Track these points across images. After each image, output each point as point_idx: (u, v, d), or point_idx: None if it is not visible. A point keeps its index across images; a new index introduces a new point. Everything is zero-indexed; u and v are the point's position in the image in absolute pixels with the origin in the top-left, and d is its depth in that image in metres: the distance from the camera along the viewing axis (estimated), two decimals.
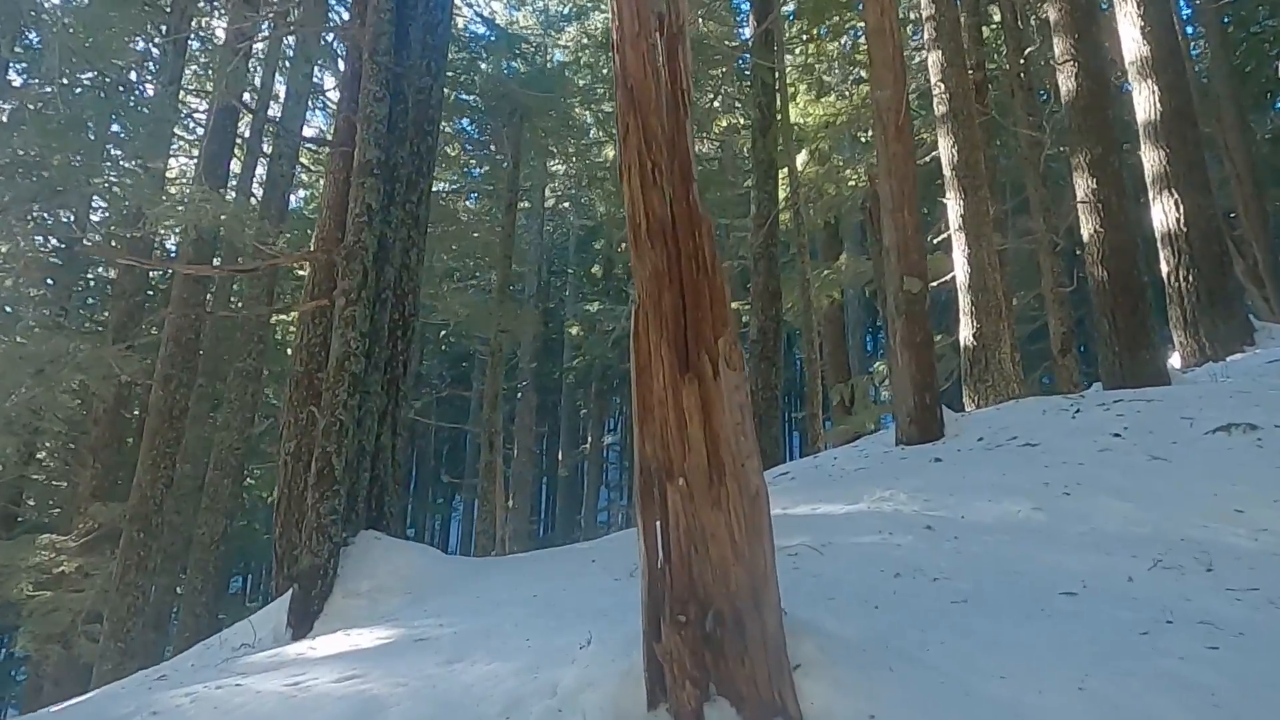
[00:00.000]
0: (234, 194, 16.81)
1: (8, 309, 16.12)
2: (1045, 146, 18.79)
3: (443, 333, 30.29)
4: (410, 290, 8.46)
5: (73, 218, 14.55)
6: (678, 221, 3.22)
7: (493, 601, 5.65)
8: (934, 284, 17.52)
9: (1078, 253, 25.73)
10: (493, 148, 22.97)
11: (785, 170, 15.95)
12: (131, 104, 15.42)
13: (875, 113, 10.31)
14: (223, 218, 12.45)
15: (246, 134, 21.78)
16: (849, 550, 5.49)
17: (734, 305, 19.12)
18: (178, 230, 13.45)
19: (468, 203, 25.27)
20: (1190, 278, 13.87)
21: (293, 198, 25.40)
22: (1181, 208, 13.92)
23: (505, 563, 7.28)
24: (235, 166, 22.46)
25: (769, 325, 12.31)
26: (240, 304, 19.21)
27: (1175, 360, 13.29)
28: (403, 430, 8.25)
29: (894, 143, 9.93)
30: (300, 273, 17.01)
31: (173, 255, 20.41)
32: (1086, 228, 11.60)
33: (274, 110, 20.64)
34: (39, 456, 20.35)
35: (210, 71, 16.16)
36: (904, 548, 5.37)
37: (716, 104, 19.57)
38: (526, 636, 4.31)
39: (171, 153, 18.46)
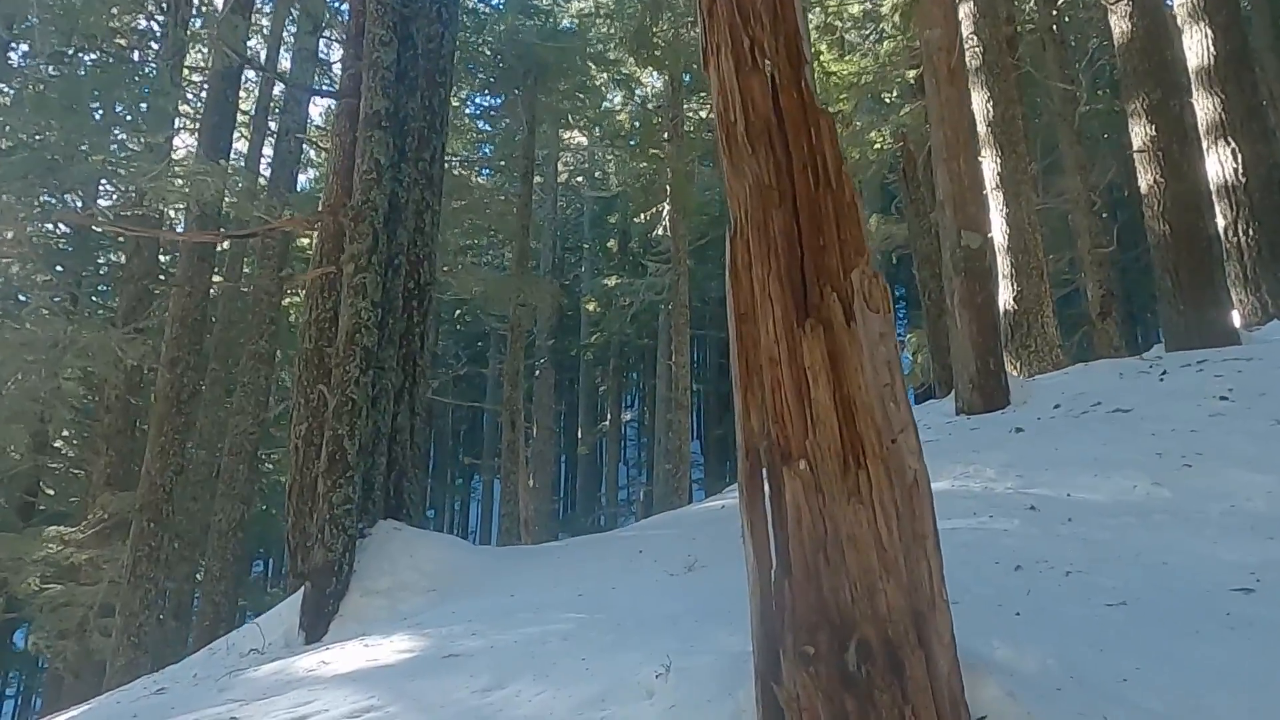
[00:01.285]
0: (240, 170, 15.97)
1: (19, 296, 15.38)
2: (1080, 102, 17.69)
3: (458, 311, 29.45)
4: (425, 256, 7.61)
5: (80, 202, 13.78)
6: (786, 117, 2.36)
7: (532, 603, 4.82)
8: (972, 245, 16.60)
9: (1117, 213, 24.68)
10: (507, 121, 22.06)
11: None
12: (133, 81, 14.59)
13: (924, 54, 9.39)
14: (225, 191, 11.63)
15: (253, 113, 20.98)
16: (946, 537, 4.63)
17: None
18: (180, 206, 12.62)
19: (480, 179, 24.39)
20: (1250, 231, 12.88)
21: (302, 178, 24.60)
22: (1239, 157, 12.92)
23: (538, 554, 6.46)
24: (243, 147, 21.68)
25: None
26: (247, 283, 18.38)
27: (1235, 318, 12.34)
28: (421, 409, 7.43)
29: (946, 86, 9.02)
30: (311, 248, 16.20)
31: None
32: (1145, 179, 10.61)
33: (278, 91, 19.81)
34: (56, 445, 19.66)
35: (209, 37, 15.26)
36: (1013, 534, 4.52)
37: None
38: (582, 655, 3.47)
39: (177, 130, 17.62)
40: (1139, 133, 10.74)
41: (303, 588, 6.25)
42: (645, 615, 3.99)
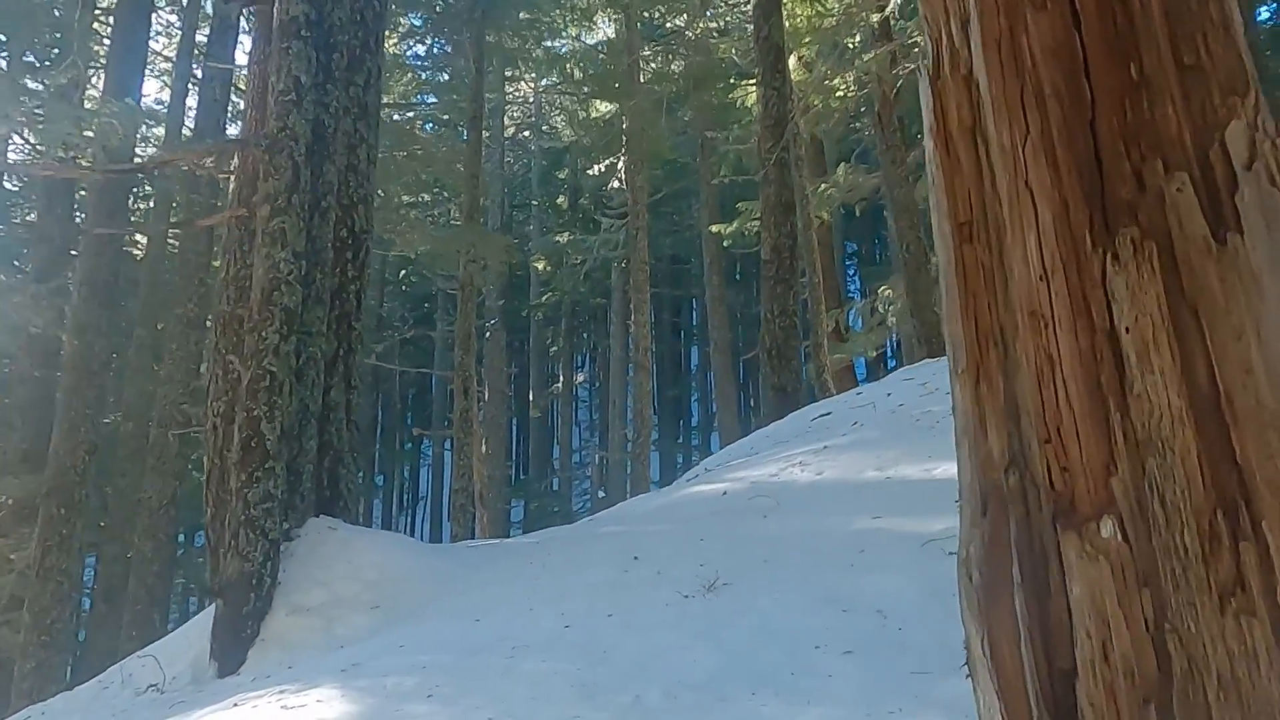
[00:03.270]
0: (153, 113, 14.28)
1: None
2: None
3: (403, 271, 27.82)
4: (360, 199, 6.25)
5: None
6: None
7: (504, 637, 3.61)
8: None
9: None
10: (448, 75, 20.40)
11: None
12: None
13: None
14: (136, 136, 10.06)
15: (175, 58, 19.13)
16: None
17: (733, 224, 16.90)
18: (87, 150, 10.98)
19: (424, 134, 22.74)
20: None
21: (233, 130, 22.70)
22: None
23: (504, 556, 5.23)
24: (166, 96, 19.78)
25: (783, 243, 10.25)
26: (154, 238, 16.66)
27: None
28: (358, 381, 6.12)
29: None
30: None
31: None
32: None
33: (203, 38, 17.95)
34: None
35: None
36: None
37: None
38: None
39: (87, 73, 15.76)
40: None
41: (212, 608, 4.98)
42: (667, 675, 2.81)
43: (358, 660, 3.83)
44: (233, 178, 6.63)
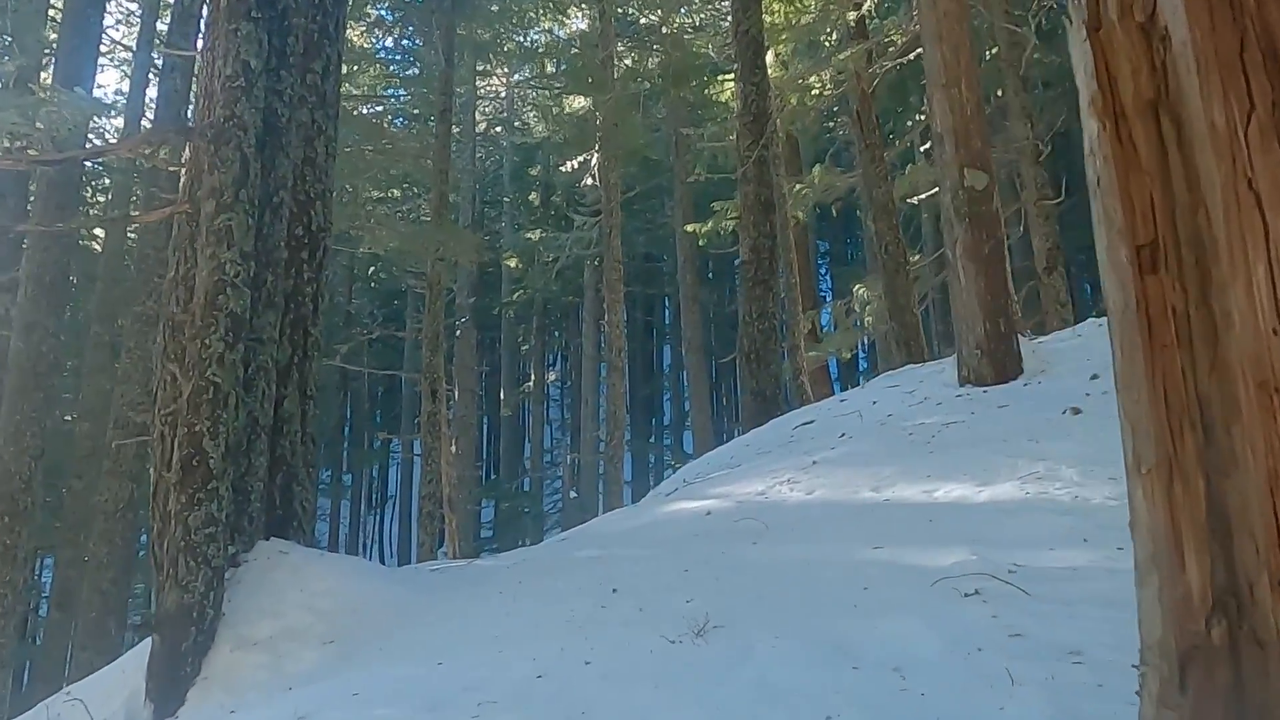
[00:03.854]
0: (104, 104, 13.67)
1: None
2: (1027, 46, 16.38)
3: (371, 268, 27.19)
4: (318, 195, 5.79)
5: None
6: None
7: (468, 685, 3.20)
8: (919, 198, 15.28)
9: (1058, 162, 23.71)
10: (417, 69, 19.86)
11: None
12: None
13: None
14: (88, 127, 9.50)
15: (135, 48, 18.46)
16: (1064, 585, 3.16)
17: (708, 224, 16.49)
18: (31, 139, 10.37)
19: (392, 128, 22.15)
20: None
21: None
22: None
23: (471, 583, 4.80)
24: (126, 87, 19.08)
25: (763, 243, 9.88)
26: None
27: None
28: (315, 390, 5.66)
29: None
30: None
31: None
32: None
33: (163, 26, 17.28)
34: None
35: None
36: None
37: None
38: None
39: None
40: None
41: (150, 640, 4.51)
42: None
43: (305, 713, 3.40)
44: (183, 170, 6.14)
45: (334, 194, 6.50)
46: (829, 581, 3.59)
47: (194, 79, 16.42)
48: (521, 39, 17.02)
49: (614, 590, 3.95)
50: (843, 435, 6.17)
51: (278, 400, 5.31)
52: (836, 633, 3.08)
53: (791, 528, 4.37)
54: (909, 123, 20.69)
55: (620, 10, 18.48)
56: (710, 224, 17.12)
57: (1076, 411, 5.00)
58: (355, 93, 13.44)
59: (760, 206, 10.00)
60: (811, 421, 7.63)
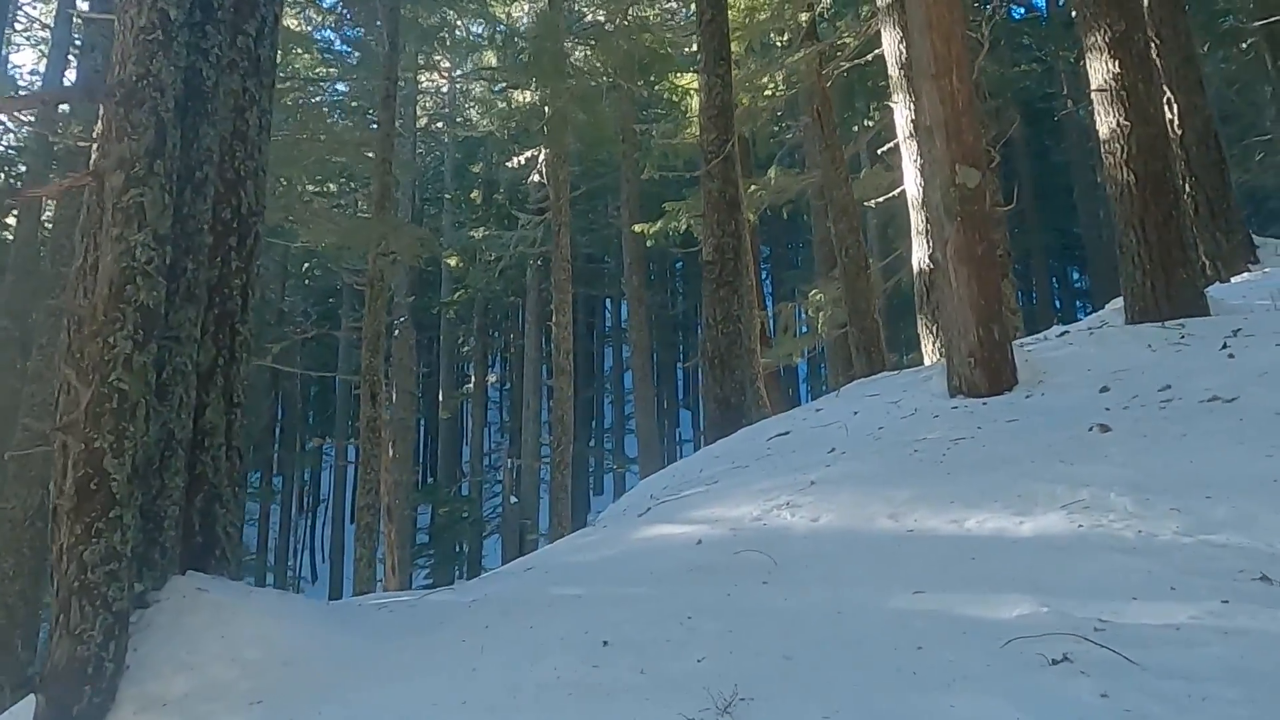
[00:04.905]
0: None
1: None
2: (983, 51, 16.06)
3: (305, 264, 25.98)
4: (249, 173, 4.98)
5: None
6: None
7: None
8: (875, 200, 14.86)
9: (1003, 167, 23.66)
10: (359, 58, 18.84)
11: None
12: None
13: None
14: None
15: (53, 24, 17.15)
16: (1173, 651, 2.57)
17: (657, 224, 15.84)
18: None
19: (333, 120, 21.08)
20: (1187, 188, 11.62)
21: None
22: (1174, 107, 11.61)
23: (431, 625, 4.05)
24: (43, 67, 17.75)
25: (728, 243, 9.27)
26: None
27: None
28: (243, 396, 4.85)
29: None
30: None
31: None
32: (1106, 121, 8.89)
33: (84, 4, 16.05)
34: None
35: None
36: None
37: None
38: None
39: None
40: (1099, 69, 9.01)
41: (34, 701, 3.68)
42: None
43: None
44: (97, 143, 5.26)
45: (267, 176, 5.69)
46: (870, 638, 2.95)
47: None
48: (469, 27, 16.15)
49: (605, 643, 3.26)
50: (832, 450, 5.56)
51: (198, 409, 4.50)
52: (902, 715, 2.44)
53: (805, 563, 3.72)
54: (855, 129, 20.40)
55: (570, 6, 17.78)
56: (660, 224, 16.52)
57: (1105, 429, 4.46)
58: (292, 77, 12.46)
59: (725, 204, 9.40)
60: (787, 433, 7.03)
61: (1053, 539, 3.46)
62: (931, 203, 6.76)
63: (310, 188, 24.62)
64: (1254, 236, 11.62)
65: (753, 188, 15.05)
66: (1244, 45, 22.17)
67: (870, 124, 19.80)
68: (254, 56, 5.14)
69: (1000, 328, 6.41)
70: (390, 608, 4.38)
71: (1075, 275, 33.52)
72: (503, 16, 16.16)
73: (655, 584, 3.89)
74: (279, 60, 11.08)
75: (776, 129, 20.50)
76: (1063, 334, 8.52)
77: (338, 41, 17.41)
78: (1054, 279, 31.78)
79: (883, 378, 8.28)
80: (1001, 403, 5.76)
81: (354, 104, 21.68)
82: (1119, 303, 11.57)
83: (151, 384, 3.96)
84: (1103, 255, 25.48)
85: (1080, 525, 3.50)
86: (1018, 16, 27.34)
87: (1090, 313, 19.96)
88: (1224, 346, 5.70)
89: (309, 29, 13.15)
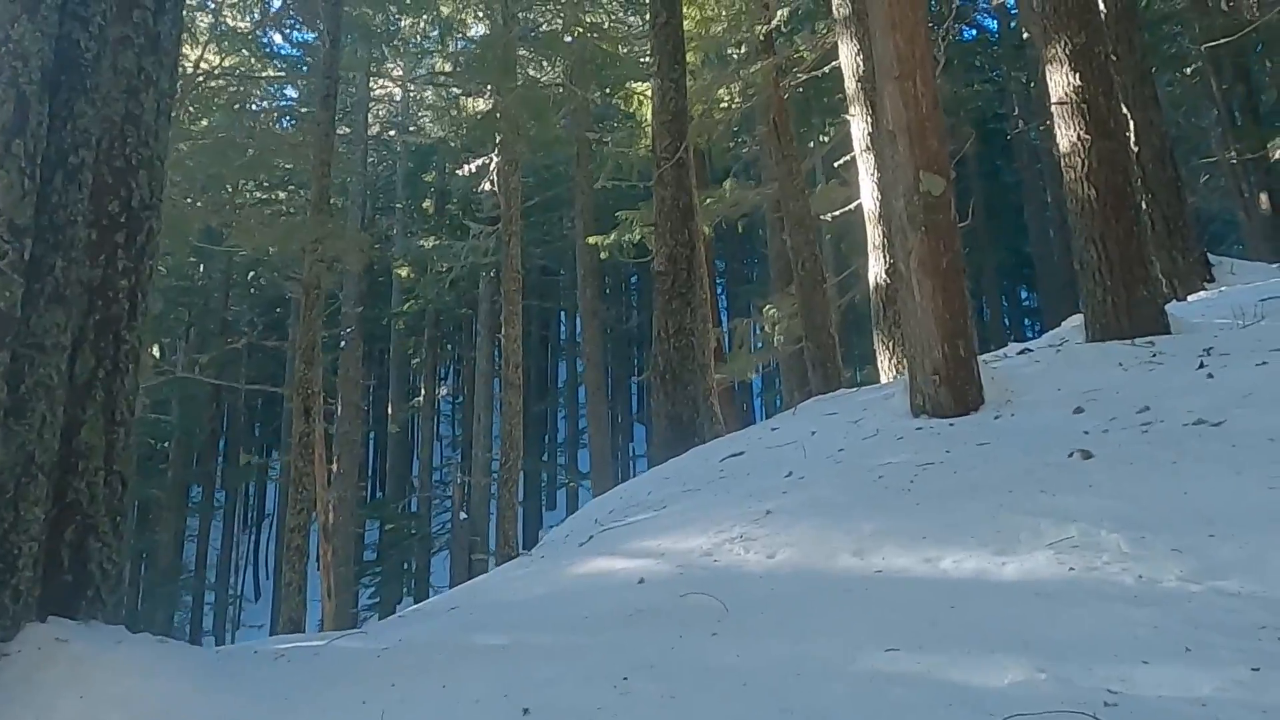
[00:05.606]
0: None
1: None
2: (939, 63, 15.81)
3: (251, 272, 25.09)
4: (143, 162, 4.39)
5: None
6: None
7: None
8: (831, 215, 14.51)
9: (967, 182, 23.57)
10: (309, 65, 18.13)
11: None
12: None
13: None
14: None
15: None
16: None
17: (611, 235, 15.34)
18: None
19: (283, 129, 20.33)
20: (1144, 204, 11.41)
21: None
22: (1131, 124, 11.41)
23: (332, 682, 3.47)
24: None
25: (680, 253, 8.81)
26: None
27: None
28: (129, 413, 4.25)
29: None
30: None
31: None
32: (1067, 135, 8.61)
33: None
34: None
35: None
36: None
37: None
38: None
39: None
40: (1060, 82, 8.73)
41: None
42: None
43: None
44: None
45: (191, 174, 5.08)
46: (838, 709, 2.45)
47: None
48: (420, 28, 15.55)
49: (525, 712, 2.73)
50: (789, 475, 5.09)
51: (71, 427, 3.89)
52: None
53: (761, 609, 3.23)
54: (810, 144, 20.14)
55: (523, 15, 17.27)
56: (614, 235, 16.06)
57: (1087, 455, 4.04)
58: (224, 78, 11.79)
59: (679, 212, 8.94)
60: (741, 453, 6.56)
61: (1041, 584, 3.00)
62: (894, 211, 6.35)
63: (257, 194, 23.78)
64: (1209, 255, 11.45)
65: (708, 199, 14.65)
66: (1189, 70, 22.38)
67: (825, 139, 19.58)
68: (152, 33, 4.55)
69: (966, 343, 6.01)
70: (289, 656, 3.80)
71: (1024, 294, 33.69)
72: (450, 13, 15.54)
73: (590, 632, 3.36)
74: (208, 54, 10.37)
75: (731, 144, 20.19)
76: (1023, 351, 8.19)
77: (285, 45, 16.69)
78: (1003, 297, 31.88)
79: (841, 395, 7.86)
80: (969, 423, 5.34)
81: (304, 110, 20.98)
82: (1077, 320, 11.30)
83: (2, 399, 3.36)
84: (1052, 274, 25.51)
85: (1071, 568, 3.05)
86: (969, 37, 27.43)
87: (1040, 331, 19.87)
88: (1201, 365, 5.34)
89: (248, 24, 12.54)
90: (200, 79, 11.01)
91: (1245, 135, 20.40)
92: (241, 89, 12.93)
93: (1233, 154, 19.93)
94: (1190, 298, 10.52)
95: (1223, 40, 17.41)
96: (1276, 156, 20.44)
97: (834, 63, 13.32)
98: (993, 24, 26.50)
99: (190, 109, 12.19)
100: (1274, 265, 11.47)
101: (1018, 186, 26.87)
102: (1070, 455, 4.09)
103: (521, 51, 17.35)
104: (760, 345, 16.87)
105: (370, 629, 4.19)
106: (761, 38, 15.37)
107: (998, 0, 24.93)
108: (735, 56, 17.61)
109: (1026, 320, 31.80)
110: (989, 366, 6.33)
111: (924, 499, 3.99)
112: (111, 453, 4.08)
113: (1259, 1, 19.22)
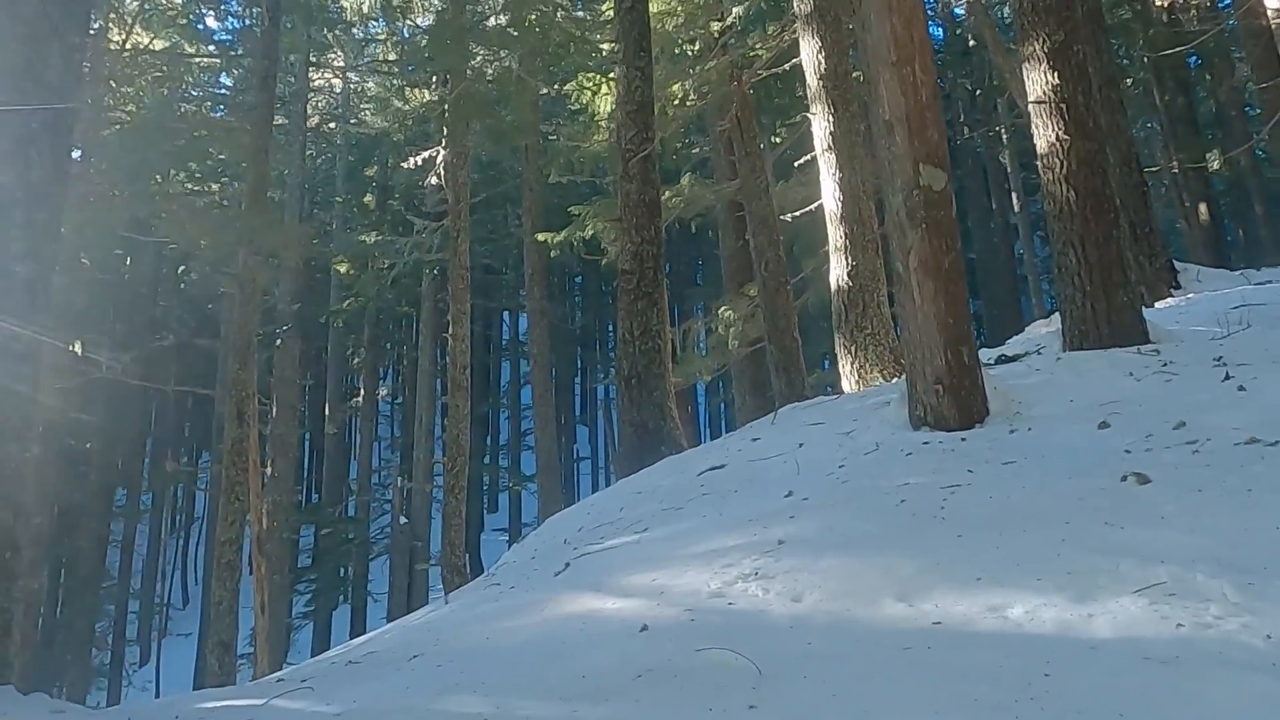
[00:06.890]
0: None
1: None
2: None
3: (181, 267, 23.78)
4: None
5: None
6: None
7: None
8: (792, 215, 14.07)
9: None
10: (248, 62, 17.11)
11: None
12: None
13: None
14: None
15: None
16: None
17: (561, 234, 14.70)
18: None
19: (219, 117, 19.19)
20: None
21: None
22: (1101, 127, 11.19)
23: None
24: None
25: (647, 250, 8.22)
26: None
27: None
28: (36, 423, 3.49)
29: None
30: None
31: None
32: (1045, 135, 8.26)
33: None
34: None
35: None
36: None
37: None
38: None
39: None
40: (1038, 80, 8.39)
41: None
42: None
43: None
44: None
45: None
46: None
47: None
48: (360, 11, 14.67)
49: None
50: (790, 494, 4.52)
51: None
52: None
53: (801, 672, 2.64)
54: (761, 145, 19.72)
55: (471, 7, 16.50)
56: (565, 233, 15.39)
57: (1143, 480, 3.54)
58: (146, 55, 10.82)
59: (645, 207, 8.35)
60: (722, 466, 5.99)
61: (1147, 645, 2.46)
62: (892, 207, 5.85)
63: (188, 184, 22.53)
64: (1174, 262, 11.26)
65: (666, 194, 14.07)
66: (1130, 81, 22.56)
67: (776, 140, 19.16)
68: None
69: (970, 350, 5.53)
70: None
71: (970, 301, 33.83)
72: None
73: (592, 699, 2.74)
74: (136, 34, 9.40)
75: (681, 145, 19.67)
76: (1001, 359, 7.79)
77: (219, 30, 15.66)
78: None
79: (823, 403, 7.35)
80: (982, 439, 4.84)
81: (239, 98, 19.90)
82: (1042, 325, 11.03)
83: None
84: (996, 281, 25.56)
85: (1179, 624, 2.52)
86: None
87: (985, 339, 19.72)
88: (1228, 377, 4.92)
89: (179, 1, 11.57)
90: (127, 56, 10.06)
91: (1185, 146, 20.60)
92: (172, 70, 11.90)
93: (1174, 164, 20.08)
94: (1158, 304, 10.30)
95: (1167, 51, 17.43)
96: (1215, 167, 20.67)
97: (793, 61, 12.87)
98: (939, 32, 26.45)
99: (118, 91, 11.23)
100: (1236, 273, 11.33)
101: (962, 194, 26.89)
102: (1124, 479, 3.59)
103: (476, 48, 16.59)
104: (706, 349, 16.35)
105: (316, 681, 3.50)
106: (716, 35, 14.89)
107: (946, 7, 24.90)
108: (691, 53, 17.10)
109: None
110: (991, 376, 5.86)
111: (965, 530, 3.45)
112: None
113: (1198, 16, 19.40)
